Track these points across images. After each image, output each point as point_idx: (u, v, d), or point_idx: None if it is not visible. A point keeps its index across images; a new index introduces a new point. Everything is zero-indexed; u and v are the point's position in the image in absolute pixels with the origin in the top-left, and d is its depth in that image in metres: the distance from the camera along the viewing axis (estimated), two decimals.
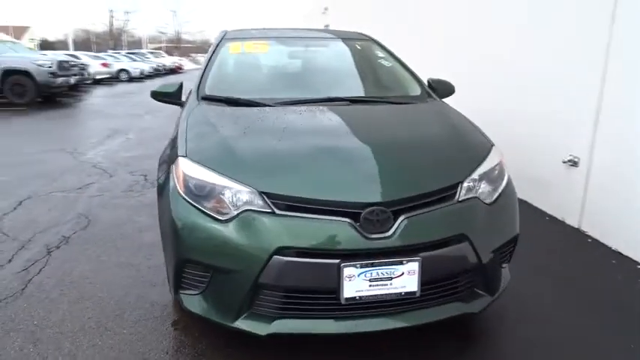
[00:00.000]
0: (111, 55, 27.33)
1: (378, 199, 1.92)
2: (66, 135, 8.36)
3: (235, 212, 1.95)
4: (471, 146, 2.37)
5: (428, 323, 2.04)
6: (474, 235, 2.02)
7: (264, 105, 2.69)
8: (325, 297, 1.92)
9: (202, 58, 3.77)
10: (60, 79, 12.72)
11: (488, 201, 2.16)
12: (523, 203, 4.47)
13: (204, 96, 2.85)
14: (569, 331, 2.42)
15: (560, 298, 2.75)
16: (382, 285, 1.91)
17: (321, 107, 2.67)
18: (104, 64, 23.12)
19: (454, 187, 2.07)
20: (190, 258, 2.02)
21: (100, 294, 2.74)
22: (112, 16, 57.90)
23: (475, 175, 2.16)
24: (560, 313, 2.58)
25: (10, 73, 12.12)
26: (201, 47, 63.22)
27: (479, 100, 5.41)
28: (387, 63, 3.38)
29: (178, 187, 2.10)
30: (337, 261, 1.85)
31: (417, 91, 3.11)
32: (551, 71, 4.12)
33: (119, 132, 8.48)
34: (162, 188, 2.26)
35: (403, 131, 2.48)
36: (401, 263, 1.89)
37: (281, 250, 1.86)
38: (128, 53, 31.61)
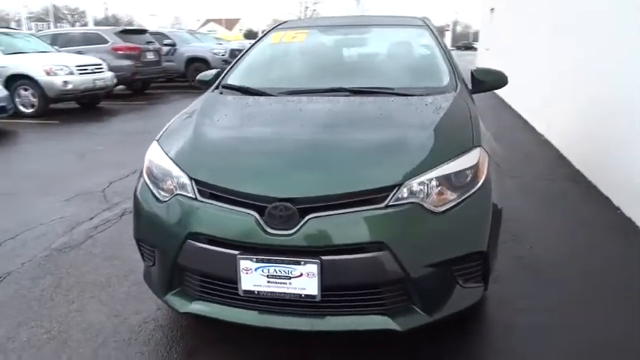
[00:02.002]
0: None
1: (285, 195, 1.86)
2: None
3: (171, 196, 2.09)
4: (442, 146, 2.09)
5: (342, 332, 1.93)
6: (397, 245, 1.82)
7: (268, 94, 2.76)
8: (230, 286, 1.95)
9: None
10: None
11: (438, 209, 1.91)
12: (616, 213, 3.72)
13: (224, 84, 3.03)
14: None
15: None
16: (281, 283, 1.86)
17: (315, 98, 2.63)
18: None
19: (386, 189, 1.88)
20: (139, 234, 2.25)
21: (127, 255, 3.17)
22: (307, 7, 62.48)
23: (424, 178, 1.92)
24: None
25: (192, 60, 14.22)
26: None
27: (592, 100, 4.62)
28: (426, 52, 3.11)
29: (144, 169, 2.33)
30: (236, 252, 1.87)
31: (442, 82, 2.81)
32: None
33: None
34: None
35: (372, 126, 2.29)
36: (299, 263, 1.82)
37: (194, 236, 1.95)
38: None
